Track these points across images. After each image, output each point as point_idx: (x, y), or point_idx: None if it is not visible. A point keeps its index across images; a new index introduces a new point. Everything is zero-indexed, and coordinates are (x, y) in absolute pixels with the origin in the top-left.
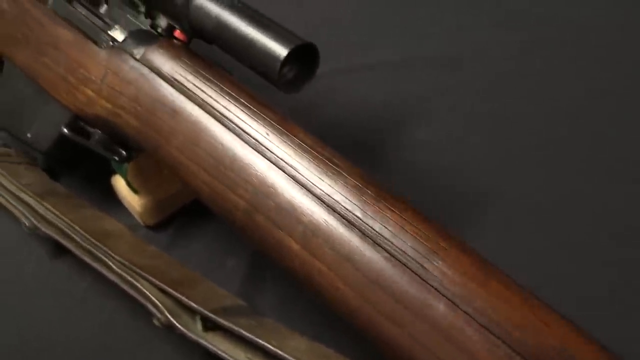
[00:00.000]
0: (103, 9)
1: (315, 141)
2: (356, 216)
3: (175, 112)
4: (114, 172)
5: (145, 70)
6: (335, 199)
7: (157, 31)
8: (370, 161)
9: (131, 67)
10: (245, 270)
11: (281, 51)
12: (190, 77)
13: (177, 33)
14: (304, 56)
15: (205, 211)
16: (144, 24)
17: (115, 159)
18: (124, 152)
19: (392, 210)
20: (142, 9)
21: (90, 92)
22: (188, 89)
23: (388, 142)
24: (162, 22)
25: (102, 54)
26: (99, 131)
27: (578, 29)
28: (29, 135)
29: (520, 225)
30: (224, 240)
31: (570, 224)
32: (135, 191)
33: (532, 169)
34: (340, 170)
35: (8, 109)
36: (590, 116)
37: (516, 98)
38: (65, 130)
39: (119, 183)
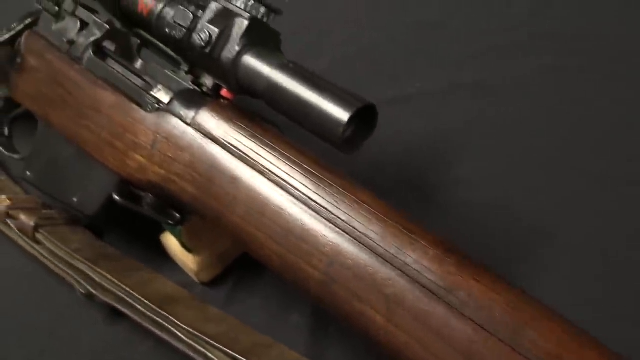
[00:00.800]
0: (138, 64)
1: (385, 206)
2: (440, 287)
3: (235, 180)
4: (162, 229)
5: (198, 136)
6: (417, 269)
7: (201, 89)
8: (415, 201)
9: (183, 133)
10: (309, 325)
11: (343, 115)
12: (247, 142)
13: (224, 91)
14: (362, 114)
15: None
16: (185, 79)
17: (169, 223)
18: (178, 215)
19: (476, 280)
20: (185, 67)
21: (140, 159)
22: (246, 155)
23: (432, 179)
24: (208, 81)
25: (149, 118)
26: (151, 195)
27: (611, 47)
28: (75, 199)
29: (572, 262)
30: (282, 293)
31: (625, 261)
32: (189, 250)
33: (581, 202)
34: (417, 238)
35: (47, 171)
36: None
37: (556, 125)
38: (117, 197)
39: (170, 241)
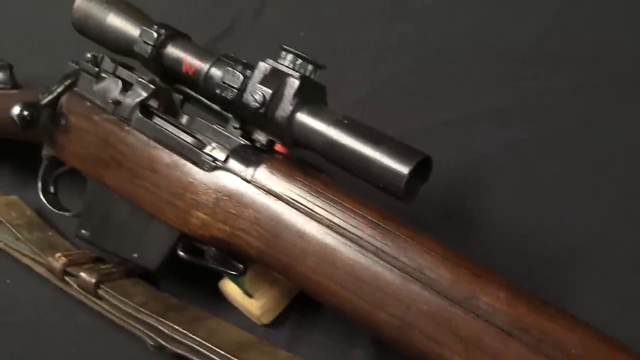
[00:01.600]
0: (184, 119)
1: (452, 252)
2: (514, 327)
3: (303, 234)
4: (219, 275)
5: (261, 193)
6: (490, 311)
7: (254, 144)
8: (452, 229)
9: (245, 190)
10: (373, 358)
11: (404, 169)
12: (311, 198)
13: (278, 146)
14: (419, 165)
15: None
16: (234, 134)
17: (232, 274)
18: (240, 266)
19: (550, 320)
20: (235, 123)
21: (203, 216)
22: (312, 211)
23: (467, 206)
24: (261, 137)
25: (208, 177)
26: (213, 248)
27: (629, 65)
28: (135, 255)
29: (611, 281)
30: (342, 328)
31: None
32: (250, 295)
33: (615, 223)
34: (487, 282)
35: (103, 228)
36: None
37: (581, 146)
38: (182, 254)
39: (229, 288)
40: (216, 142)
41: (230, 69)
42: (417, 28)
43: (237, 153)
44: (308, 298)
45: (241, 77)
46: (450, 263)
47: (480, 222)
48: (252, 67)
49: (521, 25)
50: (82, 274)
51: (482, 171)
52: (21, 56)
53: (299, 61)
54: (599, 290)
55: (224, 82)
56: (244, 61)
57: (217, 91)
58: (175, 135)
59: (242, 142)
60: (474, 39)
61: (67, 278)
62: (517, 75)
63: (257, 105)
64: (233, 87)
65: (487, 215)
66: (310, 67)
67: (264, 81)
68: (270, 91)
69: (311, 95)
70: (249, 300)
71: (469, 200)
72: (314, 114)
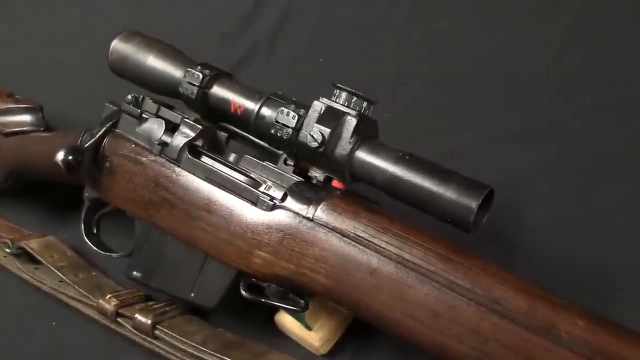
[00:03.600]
0: (231, 157)
1: (525, 282)
2: (598, 355)
3: (373, 270)
4: (274, 309)
5: (325, 231)
6: (570, 339)
7: (309, 180)
8: (496, 250)
9: (308, 229)
10: None
11: (472, 204)
12: (377, 234)
13: (335, 182)
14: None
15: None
16: (286, 171)
17: (293, 309)
18: (302, 301)
19: (635, 348)
20: (290, 161)
21: (266, 255)
22: (379, 246)
23: (506, 228)
24: (317, 173)
25: (268, 216)
26: (274, 285)
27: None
28: (192, 294)
29: None
30: (401, 353)
31: None
32: (309, 328)
33: None
34: (563, 310)
35: (156, 268)
36: None
37: (611, 163)
38: (245, 293)
39: (287, 321)
40: (270, 180)
41: (284, 108)
42: (434, 51)
43: (294, 191)
44: (363, 324)
45: (296, 116)
46: (524, 293)
47: (519, 242)
48: (303, 106)
49: (536, 47)
50: (138, 316)
51: (511, 192)
52: (46, 97)
53: (354, 99)
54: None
55: (278, 122)
56: (294, 99)
57: (272, 131)
58: (227, 174)
59: (297, 179)
60: (489, 61)
61: (120, 320)
62: (534, 95)
63: (317, 144)
64: (288, 127)
65: (525, 234)
66: (365, 103)
67: (321, 120)
68: (328, 130)
69: (366, 131)
70: (308, 333)
71: (506, 220)
72: (374, 151)
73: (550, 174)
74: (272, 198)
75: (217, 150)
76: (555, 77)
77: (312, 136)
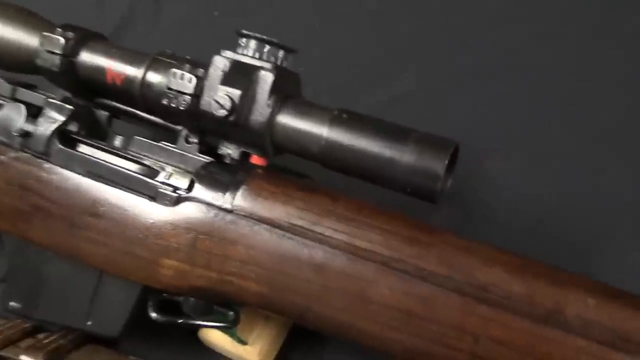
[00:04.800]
0: (118, 141)
1: (520, 259)
2: (617, 338)
3: (319, 267)
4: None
5: (250, 223)
6: (581, 325)
7: (220, 160)
8: (456, 215)
9: (228, 223)
10: None
11: (437, 167)
12: (318, 219)
13: (254, 158)
14: None
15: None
16: (190, 150)
17: (221, 326)
18: (231, 313)
19: None
20: (192, 138)
21: (176, 264)
22: (323, 235)
23: (464, 183)
24: (230, 150)
25: (173, 213)
26: (192, 298)
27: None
28: (89, 323)
29: None
30: (362, 354)
31: None
32: (244, 342)
33: None
34: (569, 287)
35: (38, 296)
36: None
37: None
38: (155, 315)
39: (213, 336)
40: (171, 166)
41: (177, 70)
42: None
43: (203, 176)
44: (305, 331)
45: (194, 79)
46: (519, 273)
47: (478, 201)
48: (202, 65)
49: None
50: (24, 358)
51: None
52: None
53: (267, 48)
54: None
55: (171, 89)
56: (188, 58)
57: (164, 102)
58: (114, 165)
59: (205, 160)
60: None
61: None
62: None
63: (225, 111)
64: (185, 94)
65: (483, 191)
66: (281, 53)
67: (227, 80)
68: (238, 92)
69: (287, 88)
70: (243, 348)
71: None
72: (301, 112)
73: (508, 117)
74: (175, 189)
75: (99, 135)
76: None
77: (217, 102)
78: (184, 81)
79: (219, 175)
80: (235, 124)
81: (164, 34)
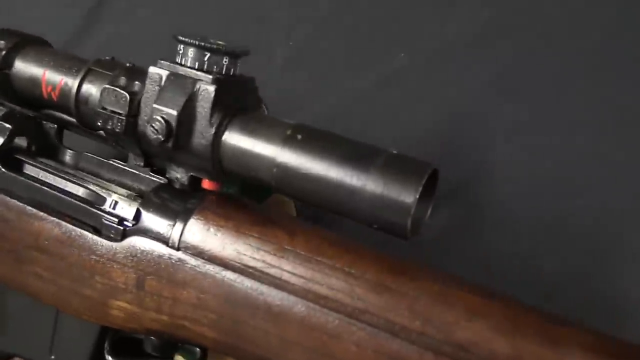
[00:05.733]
0: (67, 156)
1: (505, 307)
2: None
3: (276, 316)
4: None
5: (199, 263)
6: None
7: (173, 186)
8: (457, 211)
9: (176, 263)
10: None
11: (407, 199)
12: (272, 259)
13: (207, 182)
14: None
15: None
16: (141, 170)
17: None
18: (198, 350)
19: None
20: (138, 161)
21: (126, 306)
22: (279, 279)
23: (468, 171)
24: (179, 174)
25: (120, 249)
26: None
27: None
28: (52, 357)
29: None
30: None
31: None
32: None
33: None
34: (564, 347)
35: (2, 326)
36: None
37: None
38: (110, 358)
39: None
40: (121, 188)
41: (109, 87)
42: None
43: (153, 203)
44: None
45: (127, 97)
46: (505, 329)
47: (483, 193)
48: (142, 74)
49: None
50: None
51: (464, 122)
52: None
53: (208, 55)
54: None
55: (105, 109)
56: (128, 65)
57: (99, 123)
58: (58, 191)
59: (158, 181)
60: None
61: None
62: None
63: (160, 138)
64: (119, 114)
65: (489, 180)
66: (225, 59)
67: (163, 97)
68: (174, 112)
69: (238, 100)
70: None
71: (461, 166)
72: (251, 131)
73: (512, 90)
74: (120, 220)
75: (48, 150)
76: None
77: (152, 126)
78: (118, 99)
79: (170, 202)
80: (175, 149)
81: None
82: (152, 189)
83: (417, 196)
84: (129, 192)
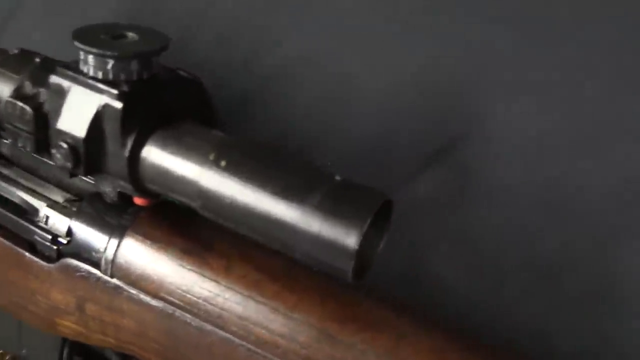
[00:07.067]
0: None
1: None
2: None
3: (217, 356)
4: None
5: (134, 292)
6: None
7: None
8: (449, 175)
9: (110, 291)
10: None
11: (348, 241)
12: (210, 297)
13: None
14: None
15: None
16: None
17: None
18: None
19: None
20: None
21: (73, 326)
22: (219, 318)
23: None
24: (107, 188)
25: (55, 270)
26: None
27: None
28: (24, 352)
29: None
30: None
31: None
32: None
33: None
34: None
35: None
36: None
37: None
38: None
39: None
40: (53, 197)
41: (10, 100)
42: None
43: (87, 215)
44: None
45: (31, 114)
46: None
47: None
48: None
49: None
50: None
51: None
52: None
53: (111, 63)
54: None
55: (11, 124)
56: (37, 60)
57: (8, 140)
58: None
59: (91, 190)
60: None
61: None
62: None
63: (68, 166)
64: (25, 132)
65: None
66: (134, 65)
67: (66, 117)
68: (80, 136)
69: (159, 105)
70: None
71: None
72: (171, 151)
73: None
74: (54, 238)
75: None
76: None
77: (57, 152)
78: (22, 116)
79: (105, 214)
80: (89, 174)
81: None
82: (89, 197)
83: (361, 239)
84: (64, 197)
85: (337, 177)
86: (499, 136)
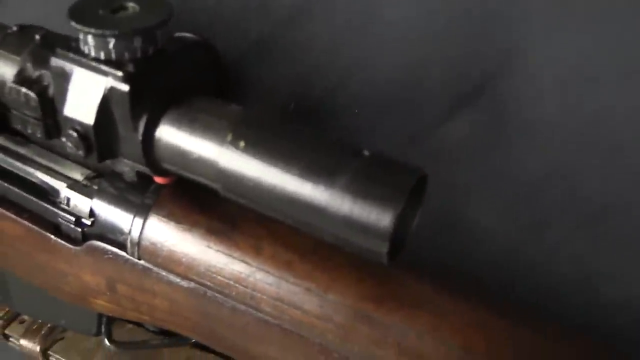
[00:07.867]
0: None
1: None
2: None
3: (252, 336)
4: None
5: (163, 274)
6: None
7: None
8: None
9: (139, 272)
10: None
11: (382, 222)
12: (241, 279)
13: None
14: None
15: None
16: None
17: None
18: None
19: None
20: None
21: (107, 304)
22: (252, 299)
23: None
24: (126, 167)
25: (80, 253)
26: None
27: None
28: (63, 321)
29: None
30: None
31: None
32: None
33: None
34: None
35: (7, 290)
36: None
37: None
38: (107, 344)
39: None
40: (74, 176)
41: (13, 87)
42: None
43: (109, 195)
44: None
45: (36, 100)
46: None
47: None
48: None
49: None
50: (23, 342)
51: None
52: None
53: (112, 42)
54: None
55: (18, 111)
56: (38, 37)
57: (17, 126)
58: (10, 183)
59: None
60: None
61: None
62: None
63: (82, 152)
64: (34, 119)
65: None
66: (138, 41)
67: (73, 103)
68: (89, 123)
69: (170, 80)
70: None
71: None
72: (186, 130)
73: None
74: (77, 219)
75: None
76: None
77: (67, 140)
78: (28, 102)
79: (127, 192)
80: (103, 159)
81: None
82: (108, 175)
83: (396, 220)
84: (84, 174)
85: (366, 152)
86: (538, 70)
